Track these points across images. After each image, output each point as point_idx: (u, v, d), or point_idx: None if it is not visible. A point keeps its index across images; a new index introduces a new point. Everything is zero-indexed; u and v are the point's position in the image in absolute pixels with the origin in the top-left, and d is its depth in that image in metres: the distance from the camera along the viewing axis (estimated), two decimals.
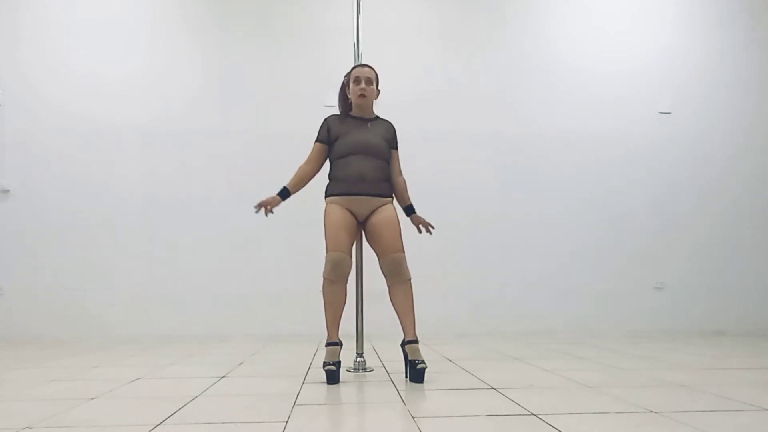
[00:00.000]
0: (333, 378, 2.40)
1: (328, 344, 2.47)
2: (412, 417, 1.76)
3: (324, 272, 2.50)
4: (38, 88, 4.46)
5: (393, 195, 2.74)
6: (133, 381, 2.50)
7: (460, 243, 4.59)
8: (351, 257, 2.58)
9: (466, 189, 4.64)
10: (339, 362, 2.44)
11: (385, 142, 2.69)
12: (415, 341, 2.48)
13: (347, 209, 2.59)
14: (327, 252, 2.51)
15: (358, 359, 2.77)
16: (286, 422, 1.70)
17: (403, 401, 2.02)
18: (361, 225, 2.66)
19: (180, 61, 4.58)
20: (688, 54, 4.90)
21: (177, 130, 4.51)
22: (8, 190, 4.38)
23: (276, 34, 4.63)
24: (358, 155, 2.60)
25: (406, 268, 2.55)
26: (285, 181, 2.68)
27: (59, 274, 4.36)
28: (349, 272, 2.53)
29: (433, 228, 2.80)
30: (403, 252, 2.56)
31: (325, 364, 2.42)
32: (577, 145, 4.74)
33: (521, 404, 1.91)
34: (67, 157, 4.44)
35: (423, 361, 2.41)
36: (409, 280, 2.56)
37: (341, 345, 2.50)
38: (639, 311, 4.66)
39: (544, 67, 4.79)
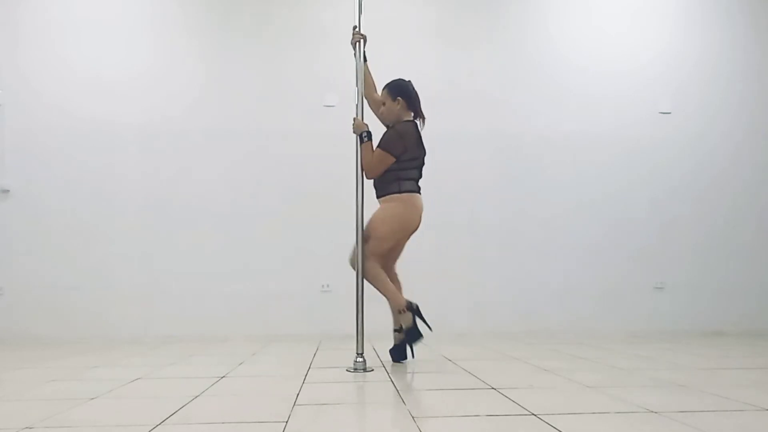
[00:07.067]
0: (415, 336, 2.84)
1: (405, 309, 2.84)
2: (412, 417, 1.76)
3: (371, 250, 2.83)
4: (38, 88, 4.45)
5: (393, 193, 2.93)
6: (133, 381, 2.49)
7: (460, 243, 4.59)
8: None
9: (465, 189, 4.64)
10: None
11: None
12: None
13: None
14: (379, 240, 2.85)
15: (358, 359, 2.77)
16: (286, 422, 1.70)
17: (403, 401, 2.01)
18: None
19: (180, 62, 4.58)
20: (687, 54, 4.90)
21: (177, 130, 4.51)
22: (8, 190, 4.38)
23: (276, 35, 4.63)
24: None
25: (360, 262, 2.83)
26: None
27: (59, 274, 4.36)
28: None
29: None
30: (368, 242, 2.86)
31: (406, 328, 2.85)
32: (576, 145, 4.74)
33: (521, 404, 1.91)
34: (67, 157, 4.43)
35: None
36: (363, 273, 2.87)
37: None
38: (639, 311, 4.66)
39: (544, 67, 4.79)
